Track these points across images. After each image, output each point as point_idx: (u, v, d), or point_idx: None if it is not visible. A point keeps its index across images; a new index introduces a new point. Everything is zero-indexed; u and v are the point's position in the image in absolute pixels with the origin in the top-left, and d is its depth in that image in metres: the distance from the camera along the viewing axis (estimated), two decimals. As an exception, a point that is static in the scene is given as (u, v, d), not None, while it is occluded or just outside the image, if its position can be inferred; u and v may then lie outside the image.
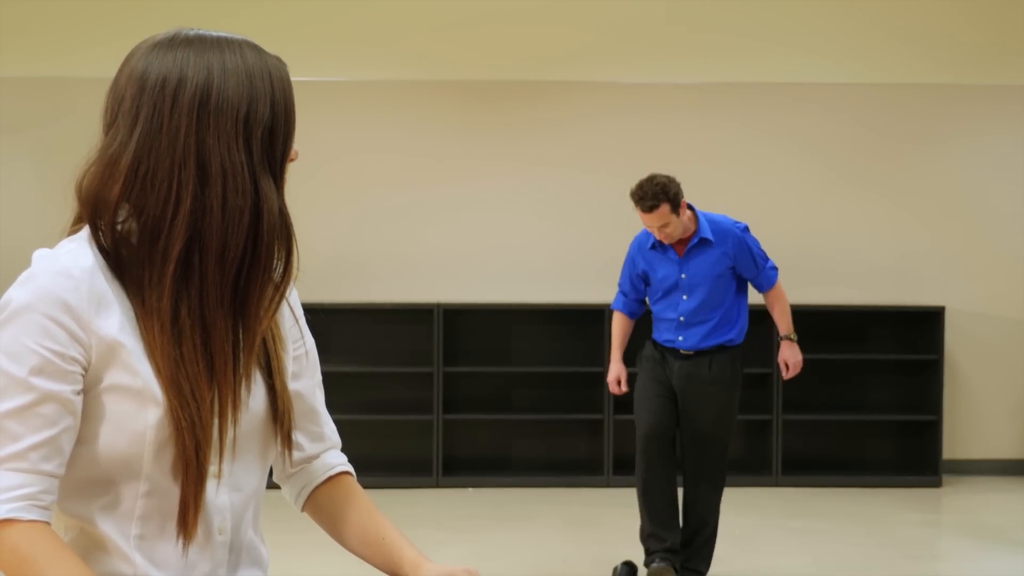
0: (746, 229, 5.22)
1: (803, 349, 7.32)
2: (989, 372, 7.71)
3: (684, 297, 5.11)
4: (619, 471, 7.23)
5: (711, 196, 7.60)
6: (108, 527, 1.58)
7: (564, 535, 6.00)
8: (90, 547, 1.59)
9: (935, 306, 7.38)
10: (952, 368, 7.63)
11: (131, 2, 6.93)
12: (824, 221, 7.63)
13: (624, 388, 5.24)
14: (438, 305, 7.25)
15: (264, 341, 1.68)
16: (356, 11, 7.52)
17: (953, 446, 7.62)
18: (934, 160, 7.66)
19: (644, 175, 7.48)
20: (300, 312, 1.80)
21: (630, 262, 5.28)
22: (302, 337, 1.77)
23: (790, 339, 5.30)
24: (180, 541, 1.59)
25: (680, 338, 5.14)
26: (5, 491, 1.51)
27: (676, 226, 5.03)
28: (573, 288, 7.54)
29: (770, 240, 7.59)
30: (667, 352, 5.18)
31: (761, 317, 7.40)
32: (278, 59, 1.65)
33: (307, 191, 7.25)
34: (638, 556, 5.49)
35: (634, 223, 7.38)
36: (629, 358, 5.33)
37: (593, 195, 7.56)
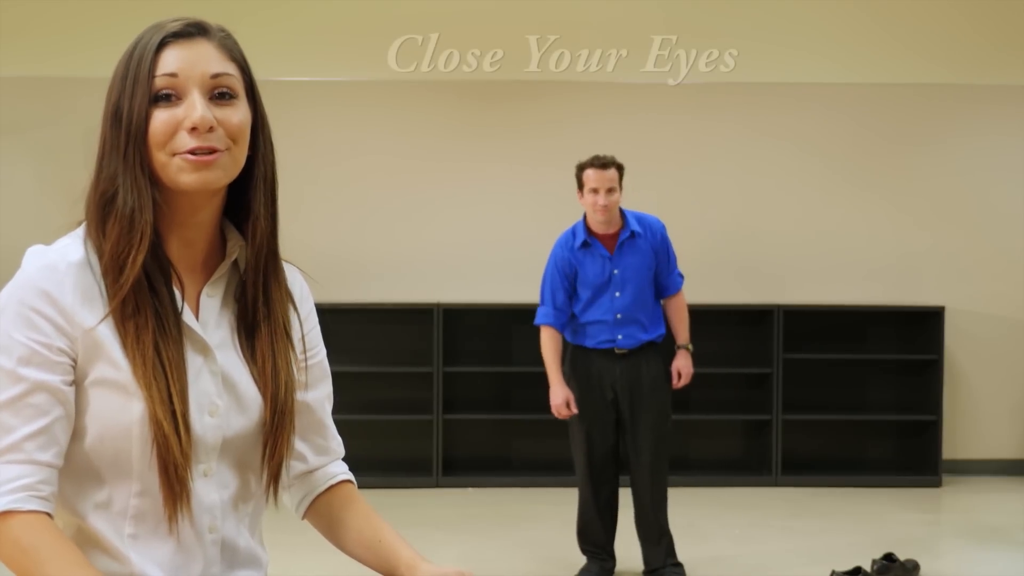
0: (665, 228, 5.25)
1: (803, 349, 7.40)
2: (989, 372, 7.71)
3: (617, 294, 5.11)
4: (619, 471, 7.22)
5: (711, 196, 7.61)
6: (103, 525, 1.59)
7: (564, 535, 5.99)
8: (87, 544, 1.60)
9: (935, 306, 7.38)
10: (952, 368, 7.63)
11: (131, 2, 6.93)
12: (824, 221, 7.63)
13: (574, 410, 5.05)
14: (438, 305, 7.25)
15: (266, 345, 1.68)
16: (356, 11, 7.51)
17: (953, 446, 7.61)
18: (934, 160, 7.66)
19: (644, 175, 7.53)
20: (313, 323, 1.79)
21: (558, 265, 5.16)
22: (307, 349, 1.76)
23: (687, 349, 5.28)
24: (171, 540, 1.60)
25: (619, 336, 5.12)
26: (3, 483, 1.51)
27: (618, 200, 5.09)
28: (573, 288, 7.53)
29: (770, 240, 7.61)
30: (602, 357, 5.14)
31: (761, 317, 7.41)
32: (151, 26, 1.61)
33: (307, 191, 7.25)
34: (638, 555, 5.49)
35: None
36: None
37: (593, 195, 7.55)
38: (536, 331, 7.51)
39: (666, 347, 5.30)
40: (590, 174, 5.06)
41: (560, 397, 5.05)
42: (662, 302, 5.29)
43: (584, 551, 5.32)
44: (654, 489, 5.21)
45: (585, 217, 5.16)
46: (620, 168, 5.12)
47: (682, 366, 5.22)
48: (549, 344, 5.17)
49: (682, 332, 5.28)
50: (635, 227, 5.12)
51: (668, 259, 5.22)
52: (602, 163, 5.07)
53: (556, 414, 5.09)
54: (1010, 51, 7.67)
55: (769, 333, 7.34)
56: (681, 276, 5.30)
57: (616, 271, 5.11)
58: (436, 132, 7.55)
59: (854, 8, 7.66)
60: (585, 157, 7.51)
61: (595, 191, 5.04)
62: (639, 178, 7.55)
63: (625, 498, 5.40)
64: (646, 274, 5.16)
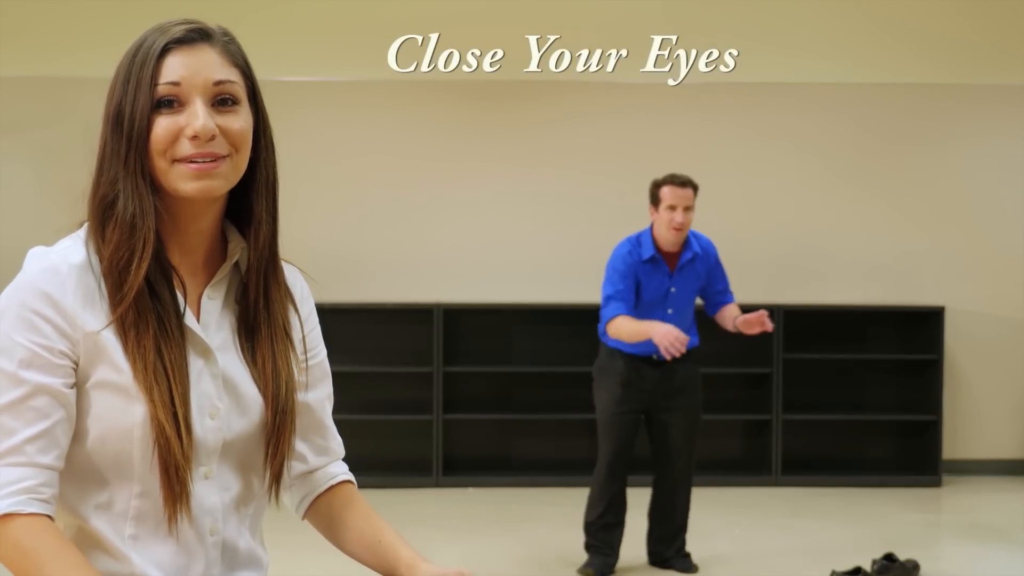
0: (717, 250, 5.33)
1: (803, 349, 7.40)
2: (989, 372, 7.71)
3: (670, 311, 5.14)
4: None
5: (711, 196, 7.59)
6: (104, 526, 1.59)
7: (564, 535, 5.99)
8: (88, 545, 1.60)
9: (935, 306, 7.38)
10: (952, 368, 7.63)
11: (131, 2, 6.93)
12: (824, 221, 7.63)
13: (684, 336, 4.63)
14: (438, 305, 7.25)
15: (266, 347, 1.67)
16: (356, 11, 7.51)
17: (953, 446, 7.61)
18: (934, 160, 7.66)
19: (644, 175, 7.50)
20: (314, 323, 1.79)
21: (628, 270, 5.08)
22: (308, 349, 1.76)
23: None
24: (172, 541, 1.60)
25: None
26: (4, 486, 1.51)
27: (691, 219, 5.13)
28: (573, 288, 7.54)
29: (770, 240, 7.61)
30: (639, 363, 5.16)
31: (761, 317, 7.41)
32: (154, 28, 1.60)
33: (307, 191, 7.25)
34: (638, 556, 5.49)
35: (633, 222, 7.39)
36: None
37: (593, 195, 7.57)
38: (536, 331, 7.56)
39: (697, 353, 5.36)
40: (668, 191, 5.08)
41: (667, 326, 4.67)
42: (718, 312, 5.28)
43: (589, 546, 5.32)
44: (683, 488, 5.30)
45: (651, 232, 5.17)
46: (696, 188, 5.14)
47: (746, 315, 5.06)
48: (626, 320, 4.90)
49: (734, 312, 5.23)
50: (696, 249, 5.18)
51: (724, 279, 5.29)
52: (681, 181, 5.09)
53: (667, 345, 4.59)
54: (1010, 51, 7.67)
55: (769, 333, 7.33)
56: (732, 294, 5.34)
57: (673, 289, 5.14)
58: (436, 132, 7.55)
59: (854, 8, 7.65)
60: (586, 157, 7.59)
61: (672, 208, 5.06)
62: (639, 178, 7.55)
63: (649, 496, 5.41)
64: (695, 295, 5.25)
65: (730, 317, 5.20)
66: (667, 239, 5.11)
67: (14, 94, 7.35)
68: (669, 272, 5.15)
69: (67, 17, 7.39)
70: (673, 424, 5.22)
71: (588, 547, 5.34)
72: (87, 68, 7.09)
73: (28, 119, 7.36)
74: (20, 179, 7.39)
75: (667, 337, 4.58)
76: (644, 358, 5.17)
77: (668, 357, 4.72)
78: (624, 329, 4.91)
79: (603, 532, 5.28)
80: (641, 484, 5.51)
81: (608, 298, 5.07)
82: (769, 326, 4.96)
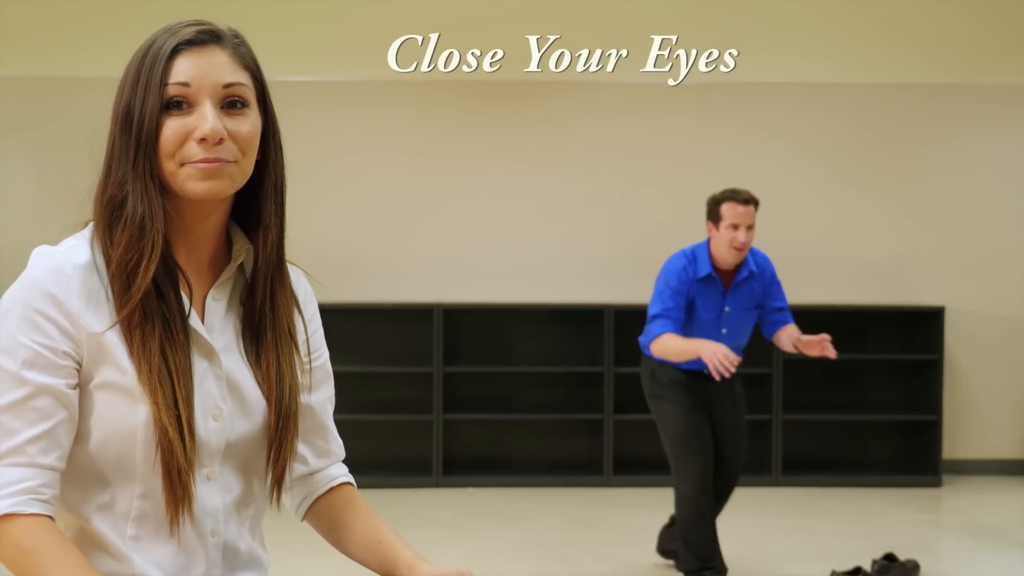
0: (774, 267, 5.12)
1: (803, 349, 7.38)
2: (989, 372, 7.70)
3: (724, 331, 4.93)
4: (619, 471, 7.23)
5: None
6: (104, 526, 1.59)
7: (564, 535, 6.00)
8: (89, 545, 1.60)
9: (935, 306, 7.38)
10: (952, 368, 7.63)
11: (131, 2, 6.93)
12: (824, 221, 7.63)
13: (735, 357, 4.43)
14: (438, 305, 7.25)
15: (271, 349, 1.67)
16: (356, 11, 7.51)
17: (953, 446, 7.62)
18: (934, 160, 7.66)
19: (644, 175, 7.55)
20: (317, 325, 1.79)
21: (680, 288, 4.83)
22: (311, 351, 1.76)
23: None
24: (173, 542, 1.60)
25: None
26: (5, 486, 1.51)
27: (753, 238, 4.92)
28: (573, 288, 7.54)
29: (770, 240, 7.58)
30: (691, 374, 4.97)
31: (761, 317, 7.40)
32: (163, 30, 1.60)
33: (307, 191, 7.24)
34: (639, 556, 5.49)
35: (633, 221, 7.41)
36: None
37: (593, 195, 7.56)
38: (536, 331, 7.56)
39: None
40: (729, 209, 4.83)
41: (716, 344, 4.49)
42: (776, 333, 5.05)
43: (700, 570, 4.94)
44: (724, 501, 5.14)
45: (708, 248, 4.93)
46: (757, 203, 4.91)
47: (807, 336, 4.88)
48: (672, 338, 4.72)
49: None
50: (752, 267, 4.95)
51: (781, 297, 5.05)
52: (744, 199, 4.85)
53: (716, 364, 4.39)
54: (1010, 51, 7.67)
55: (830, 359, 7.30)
56: (790, 313, 5.10)
57: (727, 308, 4.93)
58: (436, 132, 7.55)
59: (854, 8, 7.65)
60: (586, 157, 7.59)
61: (735, 227, 4.81)
62: (639, 178, 7.57)
63: (650, 496, 5.40)
64: (752, 313, 5.02)
65: (788, 338, 4.97)
66: (726, 259, 4.87)
67: (14, 94, 7.34)
68: (723, 291, 4.92)
69: (67, 17, 7.39)
70: (725, 436, 5.03)
71: (700, 571, 4.94)
72: (87, 68, 7.10)
73: (28, 119, 7.36)
74: (20, 179, 7.39)
75: (716, 355, 4.39)
76: (696, 372, 4.96)
77: (717, 377, 4.46)
78: (671, 348, 4.72)
79: (715, 546, 4.94)
80: (651, 484, 5.50)
81: (655, 316, 4.82)
82: (832, 352, 4.75)
